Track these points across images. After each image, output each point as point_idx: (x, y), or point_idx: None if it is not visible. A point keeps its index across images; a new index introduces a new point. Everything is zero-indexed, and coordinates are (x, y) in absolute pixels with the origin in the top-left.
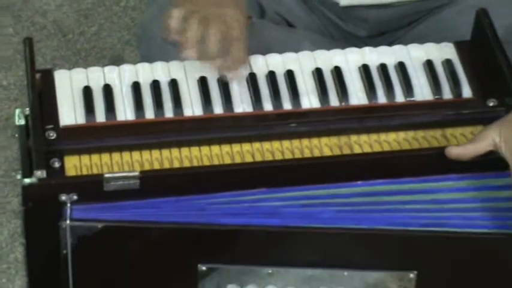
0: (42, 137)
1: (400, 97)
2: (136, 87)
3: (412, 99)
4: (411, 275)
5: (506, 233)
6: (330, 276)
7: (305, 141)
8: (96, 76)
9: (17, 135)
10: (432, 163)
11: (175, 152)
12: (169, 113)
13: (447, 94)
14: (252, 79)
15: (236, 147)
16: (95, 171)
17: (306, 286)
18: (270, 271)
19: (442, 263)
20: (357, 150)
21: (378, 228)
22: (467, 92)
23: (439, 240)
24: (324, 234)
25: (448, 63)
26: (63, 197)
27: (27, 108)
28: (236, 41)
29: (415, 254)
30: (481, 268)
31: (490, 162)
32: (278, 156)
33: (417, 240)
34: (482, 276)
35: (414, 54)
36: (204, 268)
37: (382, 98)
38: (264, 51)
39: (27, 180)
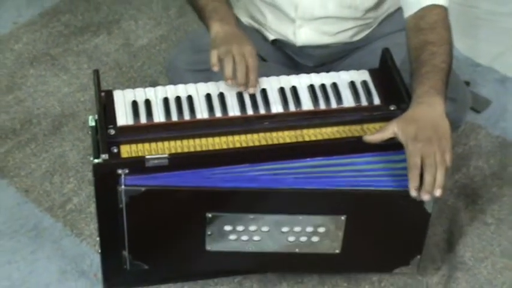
0: (106, 133)
1: (334, 104)
2: (165, 100)
3: (342, 105)
4: (342, 218)
5: (403, 190)
6: (290, 219)
7: (274, 133)
8: (140, 94)
9: (90, 132)
10: (355, 146)
11: (191, 141)
12: (187, 116)
13: (364, 102)
14: (240, 94)
15: (230, 138)
16: (140, 154)
17: (275, 226)
18: (252, 216)
19: (363, 210)
20: (307, 138)
21: (321, 188)
22: (376, 100)
23: (359, 195)
24: (287, 193)
25: (364, 83)
26: (119, 171)
27: (96, 115)
28: (252, 70)
29: (345, 204)
30: (387, 213)
31: (392, 145)
32: (256, 143)
33: (346, 195)
34: (388, 218)
35: (343, 77)
36: (210, 215)
37: (322, 105)
38: None
39: (96, 160)
